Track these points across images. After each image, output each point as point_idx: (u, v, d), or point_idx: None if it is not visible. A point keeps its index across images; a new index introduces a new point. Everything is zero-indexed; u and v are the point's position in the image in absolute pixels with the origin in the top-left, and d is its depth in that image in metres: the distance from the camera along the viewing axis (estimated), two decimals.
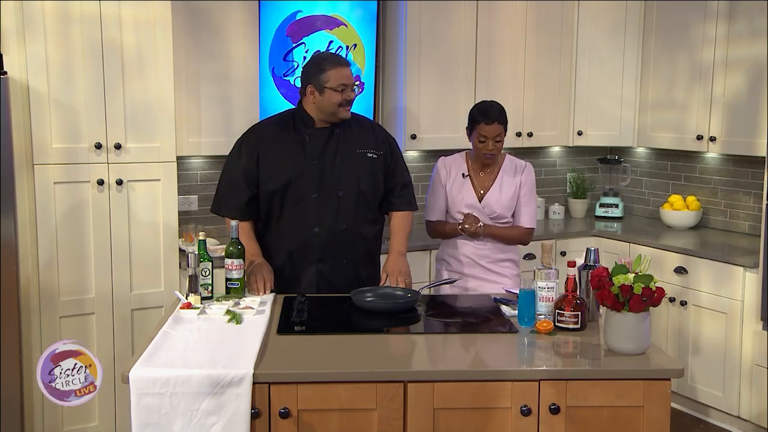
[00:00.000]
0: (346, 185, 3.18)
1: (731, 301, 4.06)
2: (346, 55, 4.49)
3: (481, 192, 3.47)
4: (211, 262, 2.97)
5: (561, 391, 2.34)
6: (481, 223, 3.42)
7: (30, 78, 3.45)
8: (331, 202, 3.17)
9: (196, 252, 2.92)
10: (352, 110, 3.23)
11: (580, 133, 5.06)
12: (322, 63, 3.17)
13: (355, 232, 3.22)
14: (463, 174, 3.49)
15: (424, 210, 3.61)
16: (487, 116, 3.35)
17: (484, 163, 3.47)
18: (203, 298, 2.92)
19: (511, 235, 3.48)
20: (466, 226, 3.41)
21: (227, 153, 4.27)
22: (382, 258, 3.35)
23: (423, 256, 4.28)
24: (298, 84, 4.40)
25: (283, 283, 3.19)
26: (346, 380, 2.31)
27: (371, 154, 3.25)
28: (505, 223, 3.49)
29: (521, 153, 5.11)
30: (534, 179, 3.52)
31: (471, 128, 3.44)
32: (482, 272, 3.47)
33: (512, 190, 3.46)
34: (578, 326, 2.64)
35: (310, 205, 3.15)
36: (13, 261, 3.37)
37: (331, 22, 4.44)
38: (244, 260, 3.02)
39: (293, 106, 4.34)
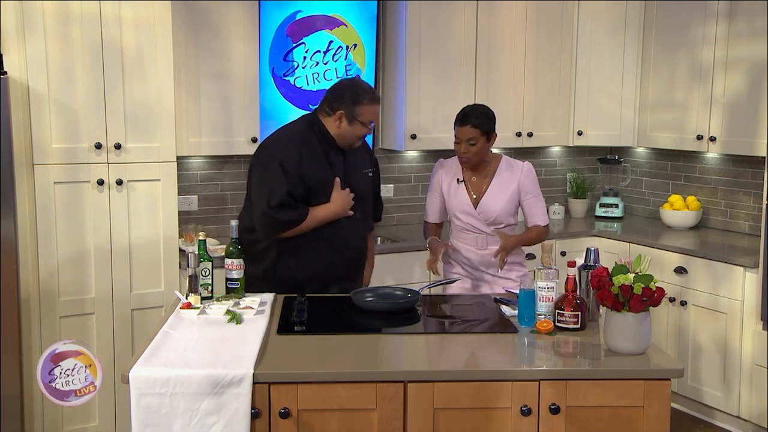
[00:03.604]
0: (360, 206, 3.25)
1: (731, 301, 4.06)
2: (346, 56, 4.49)
3: (474, 197, 3.41)
4: (211, 262, 2.97)
5: (561, 391, 2.34)
6: (501, 253, 3.28)
7: (30, 78, 3.45)
8: (354, 223, 3.23)
9: (196, 252, 2.92)
10: None
11: (580, 133, 5.06)
12: (361, 96, 3.14)
13: (363, 249, 3.35)
14: (457, 179, 3.44)
15: (424, 210, 3.62)
16: (460, 117, 3.34)
17: (470, 167, 3.41)
18: (203, 298, 2.92)
19: (531, 238, 3.41)
20: (499, 264, 3.31)
21: (227, 153, 4.29)
22: None
23: (423, 256, 4.27)
24: (298, 84, 4.44)
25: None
26: (346, 380, 2.31)
27: (369, 173, 3.35)
28: (504, 227, 3.42)
29: (521, 153, 5.11)
30: (535, 176, 3.43)
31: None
32: (488, 275, 3.45)
33: (508, 193, 3.39)
34: (578, 326, 2.64)
35: (342, 227, 3.20)
36: (13, 261, 3.37)
37: (331, 22, 4.44)
38: (244, 260, 3.02)
39: (292, 106, 4.40)
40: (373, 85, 4.62)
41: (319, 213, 3.13)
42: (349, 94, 3.14)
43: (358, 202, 3.23)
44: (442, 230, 3.60)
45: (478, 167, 3.42)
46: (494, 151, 3.54)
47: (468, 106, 3.42)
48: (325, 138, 3.18)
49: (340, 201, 3.15)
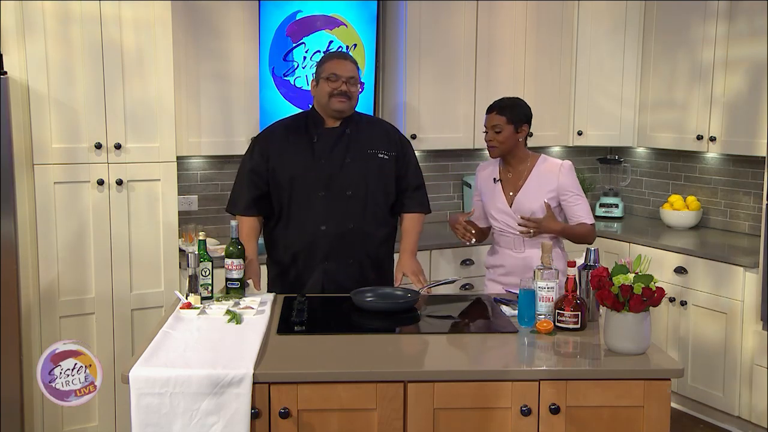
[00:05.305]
0: (356, 185, 3.19)
1: (731, 301, 4.06)
2: None
3: (511, 194, 3.32)
4: (211, 262, 2.97)
5: (561, 391, 2.34)
6: (531, 223, 3.21)
7: (30, 78, 3.45)
8: (339, 201, 3.17)
9: (196, 252, 2.92)
10: (362, 111, 3.26)
11: (580, 133, 5.06)
12: (323, 58, 3.28)
13: (363, 232, 3.22)
14: (494, 179, 3.38)
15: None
16: (488, 107, 3.34)
17: (504, 162, 3.34)
18: (203, 298, 2.92)
19: (577, 232, 3.27)
20: (523, 230, 3.24)
21: (227, 153, 4.30)
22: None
23: (423, 256, 4.27)
24: (298, 84, 4.44)
25: (291, 281, 3.20)
26: (346, 380, 2.31)
27: (382, 155, 3.25)
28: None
29: None
30: (575, 177, 3.31)
31: None
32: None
33: (546, 192, 3.26)
34: (578, 326, 2.64)
35: (318, 204, 3.16)
36: (13, 261, 3.37)
37: (331, 22, 4.44)
38: (244, 260, 3.02)
39: (292, 106, 4.41)
40: (373, 85, 4.63)
41: (248, 248, 3.13)
42: (317, 63, 3.30)
43: (356, 184, 3.19)
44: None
45: (513, 164, 3.33)
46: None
47: (502, 98, 3.40)
48: (315, 122, 3.23)
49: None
